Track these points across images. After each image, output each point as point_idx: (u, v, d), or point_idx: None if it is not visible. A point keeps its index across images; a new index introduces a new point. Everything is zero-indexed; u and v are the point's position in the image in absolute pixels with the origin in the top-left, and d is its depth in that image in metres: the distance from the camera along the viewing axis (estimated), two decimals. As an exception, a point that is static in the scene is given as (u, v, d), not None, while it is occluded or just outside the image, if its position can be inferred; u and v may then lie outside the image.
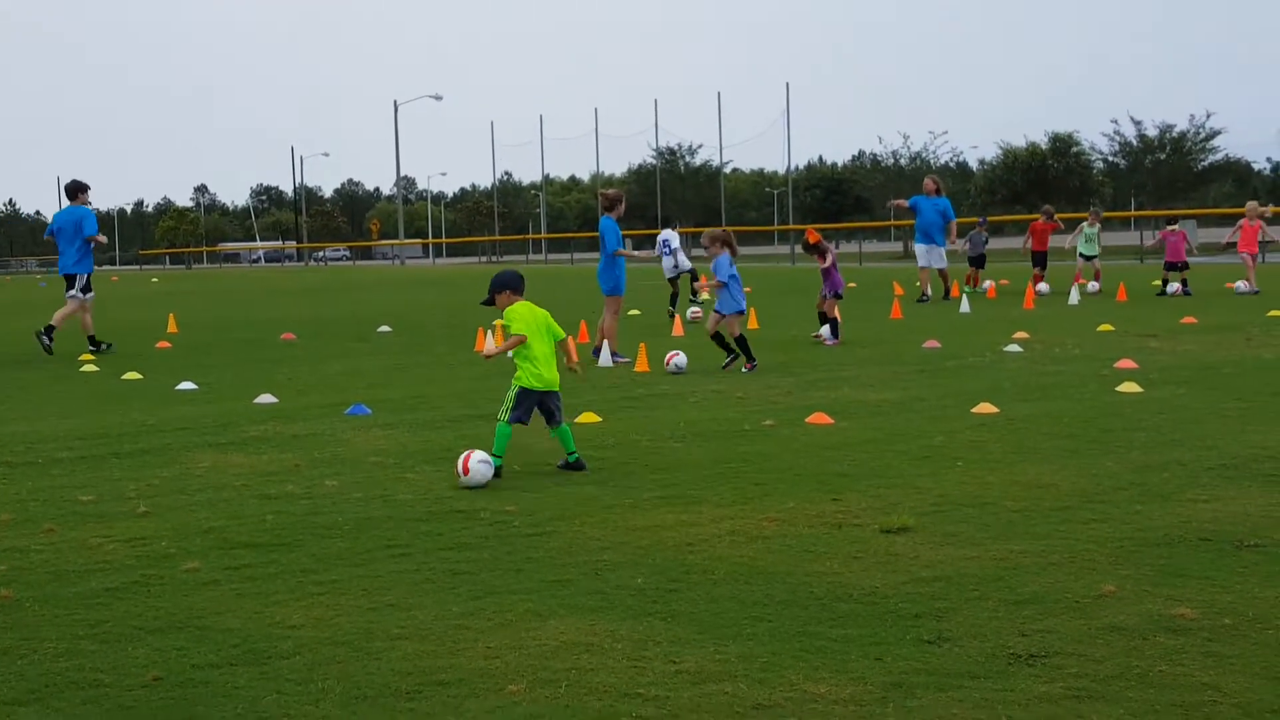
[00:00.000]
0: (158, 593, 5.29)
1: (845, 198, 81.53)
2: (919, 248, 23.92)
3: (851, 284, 29.49)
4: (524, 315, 7.77)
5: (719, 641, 4.48)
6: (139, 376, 13.69)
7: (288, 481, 7.56)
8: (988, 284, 26.03)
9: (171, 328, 21.11)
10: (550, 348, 7.79)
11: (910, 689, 3.99)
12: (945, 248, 23.78)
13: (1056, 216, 26.68)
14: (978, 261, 26.37)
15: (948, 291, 23.45)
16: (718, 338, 12.93)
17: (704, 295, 13.04)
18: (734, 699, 3.95)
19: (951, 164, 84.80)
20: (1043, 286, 24.09)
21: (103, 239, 17.40)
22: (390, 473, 7.74)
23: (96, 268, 20.21)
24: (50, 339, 16.72)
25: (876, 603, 4.88)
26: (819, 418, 9.28)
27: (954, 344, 14.87)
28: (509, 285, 7.93)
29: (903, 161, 76.08)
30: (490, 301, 7.97)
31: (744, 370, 12.60)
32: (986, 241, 26.91)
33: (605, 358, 13.76)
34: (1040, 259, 25.36)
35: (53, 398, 12.19)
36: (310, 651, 4.49)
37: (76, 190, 17.39)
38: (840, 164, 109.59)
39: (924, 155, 75.09)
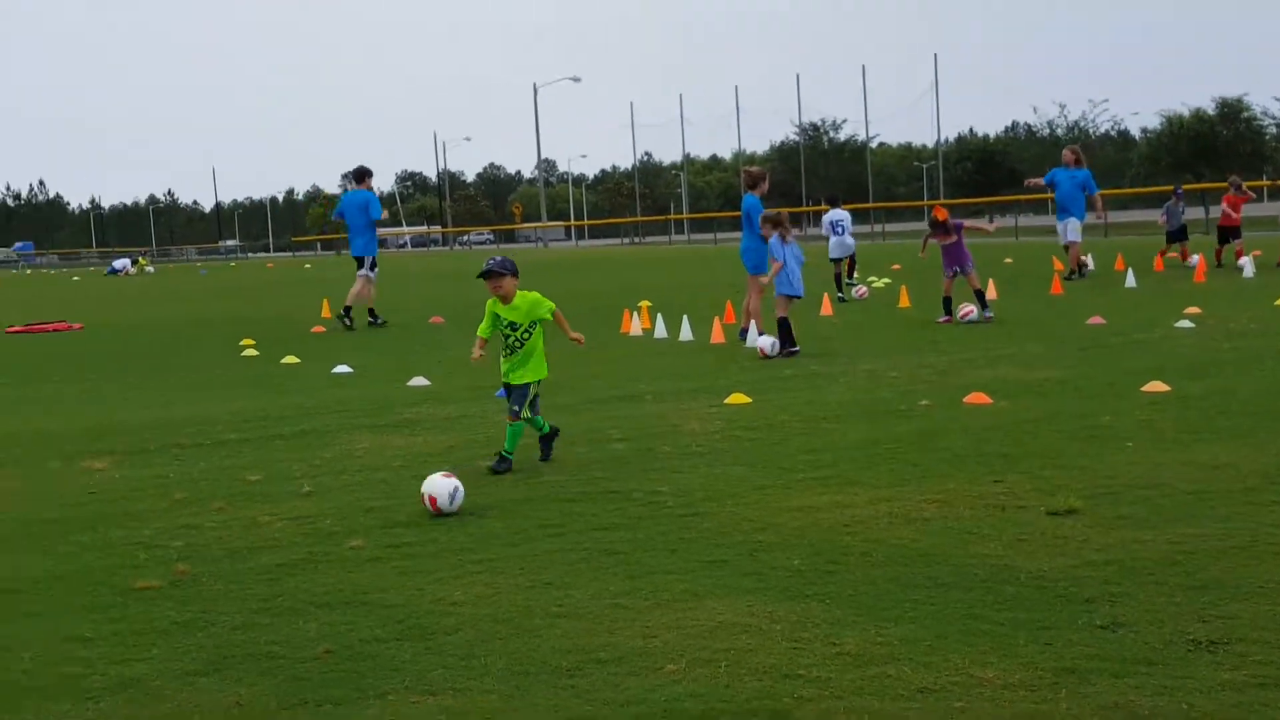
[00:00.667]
0: (325, 569, 5.45)
1: (998, 170, 79.36)
2: (1059, 224, 22.60)
3: (1008, 259, 28.78)
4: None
5: (880, 624, 4.39)
6: (297, 360, 14.17)
7: (444, 462, 7.71)
8: (1195, 258, 22.98)
9: (325, 312, 21.76)
10: None
11: (1084, 675, 3.84)
12: (1084, 220, 22.49)
13: (1245, 186, 24.69)
14: (1179, 234, 24.09)
15: (1079, 269, 22.15)
16: (783, 323, 12.56)
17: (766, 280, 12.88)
18: (898, 682, 3.86)
19: (1113, 133, 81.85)
20: (1244, 261, 21.88)
21: (386, 216, 18.25)
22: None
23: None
24: (350, 319, 18.29)
25: (1045, 586, 4.71)
26: (977, 397, 9.03)
27: (1120, 320, 14.31)
28: (518, 272, 7.74)
29: (1059, 131, 73.68)
30: (487, 275, 7.60)
31: (781, 356, 12.33)
32: (1184, 212, 24.82)
33: (753, 338, 13.65)
34: (1232, 233, 23.13)
35: (216, 382, 12.70)
36: (472, 628, 4.56)
37: (362, 175, 18.48)
38: (992, 136, 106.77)
39: (1082, 124, 72.57)
